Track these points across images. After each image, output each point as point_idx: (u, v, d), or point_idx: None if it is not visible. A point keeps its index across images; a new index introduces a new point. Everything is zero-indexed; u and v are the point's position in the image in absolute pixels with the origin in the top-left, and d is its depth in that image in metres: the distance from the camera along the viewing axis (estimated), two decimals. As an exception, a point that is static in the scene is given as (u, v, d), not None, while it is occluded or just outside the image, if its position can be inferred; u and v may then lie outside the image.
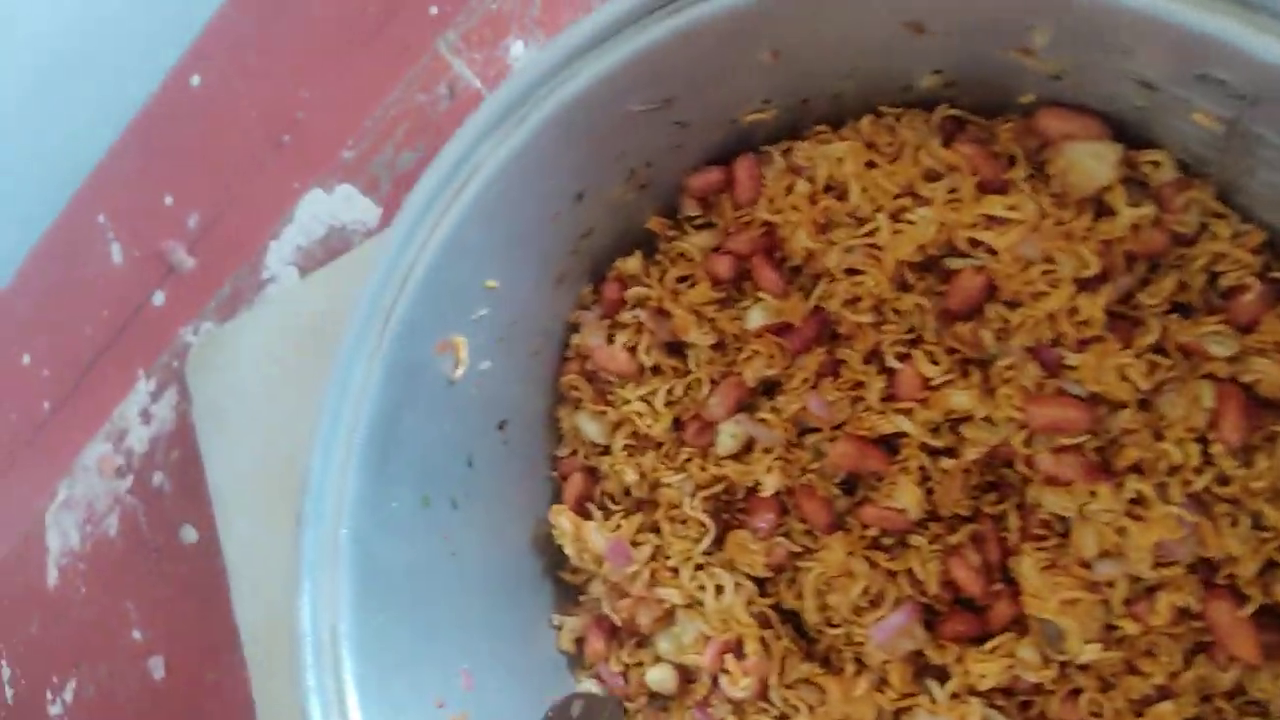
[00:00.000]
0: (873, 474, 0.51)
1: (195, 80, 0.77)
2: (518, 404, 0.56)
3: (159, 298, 0.79)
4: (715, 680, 0.53)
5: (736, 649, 0.52)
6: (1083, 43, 0.40)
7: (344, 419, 0.46)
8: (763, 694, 0.52)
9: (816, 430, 0.52)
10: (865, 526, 0.51)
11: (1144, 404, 0.45)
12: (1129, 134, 0.44)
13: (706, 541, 0.53)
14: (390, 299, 0.46)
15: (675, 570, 0.54)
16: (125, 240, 0.80)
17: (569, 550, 0.57)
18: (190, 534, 0.74)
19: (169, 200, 0.78)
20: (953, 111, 0.48)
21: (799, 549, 0.52)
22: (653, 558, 0.54)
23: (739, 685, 0.52)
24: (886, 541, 0.51)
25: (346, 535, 0.45)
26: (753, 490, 0.53)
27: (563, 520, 0.57)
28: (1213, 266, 0.45)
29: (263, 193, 0.73)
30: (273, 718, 0.67)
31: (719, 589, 0.53)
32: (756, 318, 0.53)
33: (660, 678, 0.54)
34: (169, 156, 0.78)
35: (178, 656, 0.74)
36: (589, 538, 0.55)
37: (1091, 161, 0.44)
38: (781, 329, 0.52)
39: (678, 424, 0.55)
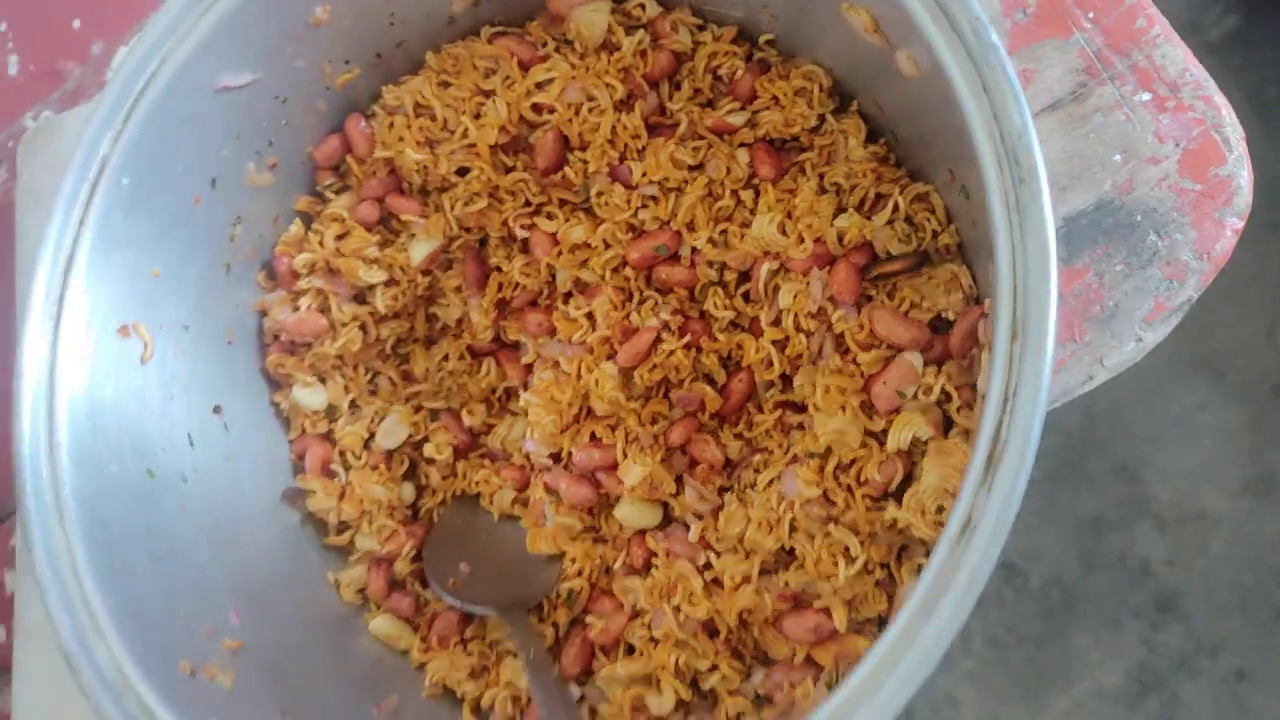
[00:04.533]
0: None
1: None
2: (228, 391, 0.61)
3: (46, 116, 0.81)
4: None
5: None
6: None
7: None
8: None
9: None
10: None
11: (696, 168, 0.56)
12: (617, -9, 0.57)
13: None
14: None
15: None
16: (23, 53, 0.81)
17: (327, 511, 0.62)
18: (-5, 300, 0.76)
19: (76, 24, 0.80)
20: (496, 28, 0.60)
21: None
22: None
23: None
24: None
25: (68, 493, 0.49)
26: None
27: (313, 485, 0.62)
28: (714, 66, 0.57)
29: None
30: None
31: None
32: (420, 250, 0.61)
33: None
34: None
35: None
36: (357, 488, 0.61)
37: (593, 17, 0.56)
38: (434, 259, 0.61)
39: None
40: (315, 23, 0.56)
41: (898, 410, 0.50)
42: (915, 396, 0.49)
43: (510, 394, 0.64)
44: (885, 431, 0.50)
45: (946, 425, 0.50)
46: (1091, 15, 0.60)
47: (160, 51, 0.53)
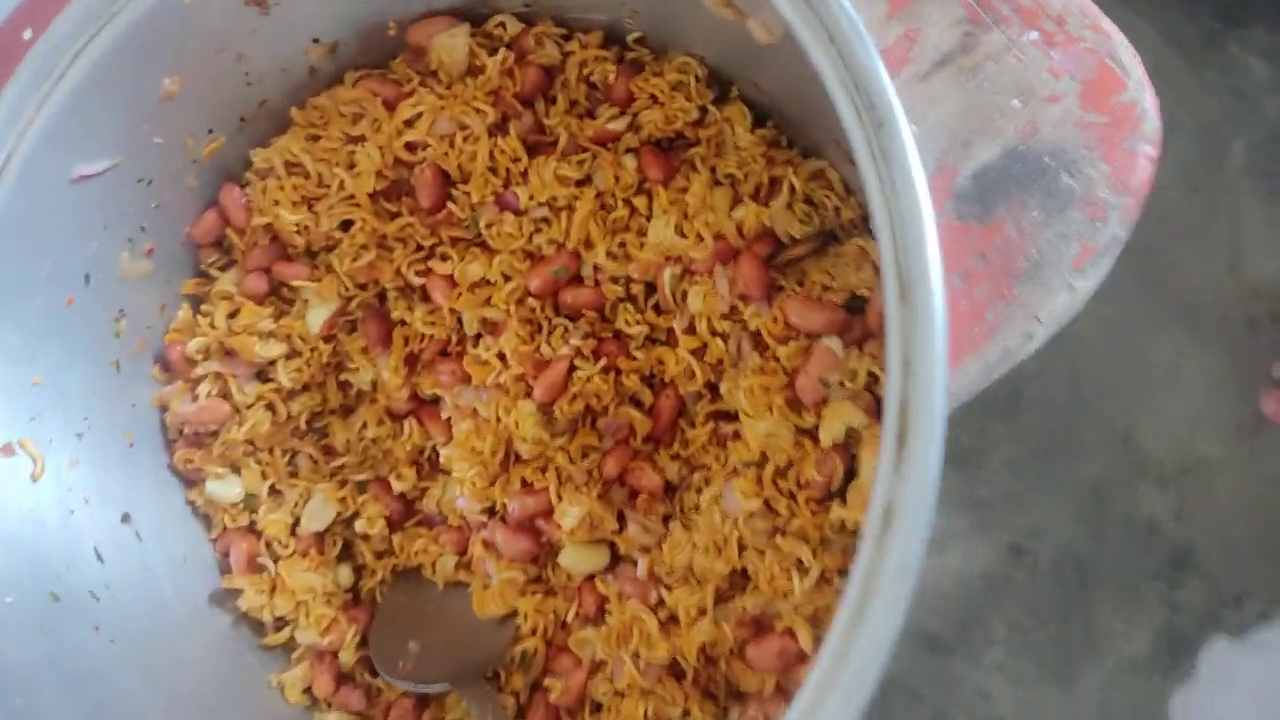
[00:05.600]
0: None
1: (27, 34, 0.75)
2: (136, 496, 0.57)
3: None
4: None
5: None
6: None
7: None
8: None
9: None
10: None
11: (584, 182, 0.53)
12: (475, 15, 0.55)
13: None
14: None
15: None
16: None
17: (260, 609, 0.58)
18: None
19: None
20: (358, 73, 0.57)
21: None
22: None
23: None
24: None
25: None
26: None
27: (240, 584, 0.58)
28: (586, 74, 0.54)
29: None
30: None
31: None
32: (317, 316, 0.58)
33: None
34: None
35: None
36: (288, 579, 0.57)
37: (452, 42, 0.54)
38: (334, 323, 0.58)
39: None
40: (167, 95, 0.53)
41: (825, 401, 0.46)
42: (841, 384, 0.46)
43: (438, 453, 0.60)
44: (818, 428, 0.47)
45: (880, 410, 0.46)
46: (971, -34, 0.57)
47: (2, 149, 0.50)
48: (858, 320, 0.47)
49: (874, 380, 0.46)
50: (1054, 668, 1.45)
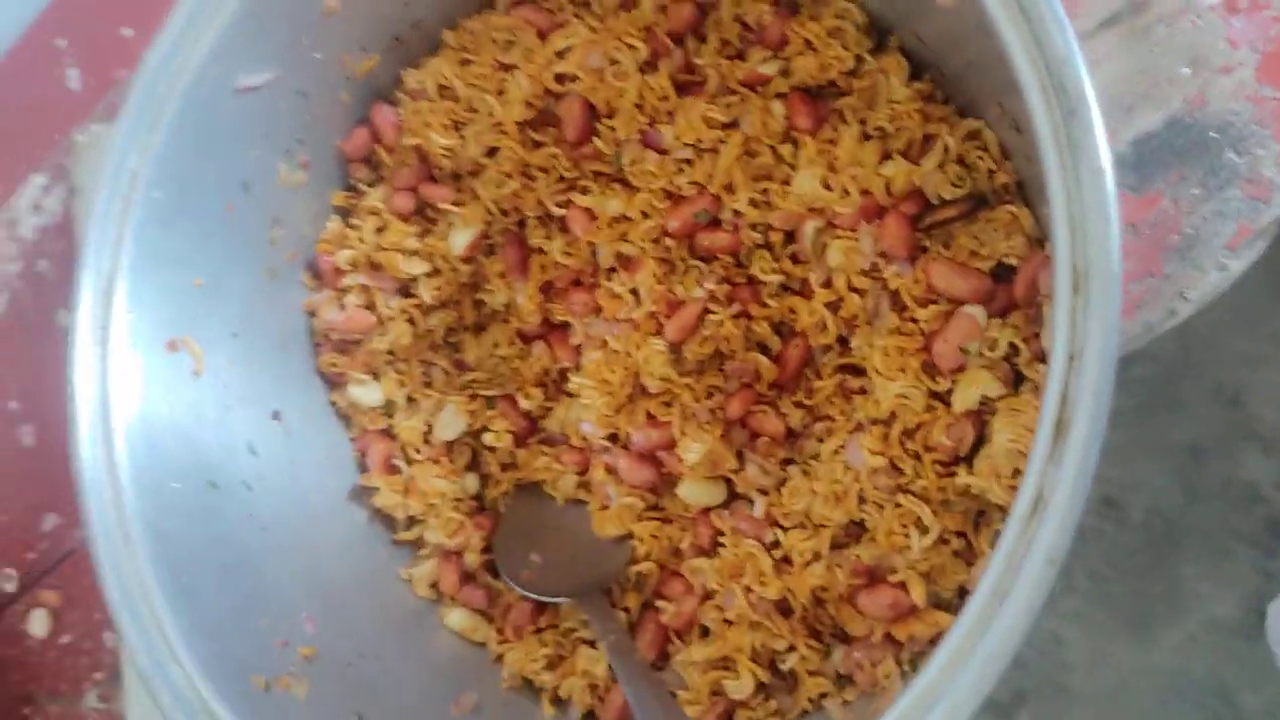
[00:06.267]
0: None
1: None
2: (286, 395, 0.61)
3: (93, 129, 0.81)
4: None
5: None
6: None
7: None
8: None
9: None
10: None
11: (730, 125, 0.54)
12: (633, -53, 0.54)
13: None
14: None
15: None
16: (83, 66, 0.83)
17: (394, 508, 0.62)
18: (64, 318, 0.79)
19: (128, 32, 0.81)
20: (516, -5, 0.58)
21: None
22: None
23: None
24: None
25: (131, 515, 0.49)
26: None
27: (377, 483, 0.61)
28: (740, 14, 0.54)
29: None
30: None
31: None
32: (460, 239, 0.60)
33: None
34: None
35: (46, 427, 0.81)
36: (420, 482, 0.61)
37: (610, -27, 0.54)
38: (476, 246, 0.60)
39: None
40: (328, 12, 0.54)
41: (962, 368, 0.47)
42: (980, 352, 0.46)
43: (565, 375, 0.62)
44: (951, 392, 0.47)
45: (1016, 380, 0.46)
46: (1150, -85, 0.55)
47: (174, 61, 0.52)
48: (1003, 289, 0.47)
49: (1013, 351, 0.46)
50: (1132, 621, 1.44)
